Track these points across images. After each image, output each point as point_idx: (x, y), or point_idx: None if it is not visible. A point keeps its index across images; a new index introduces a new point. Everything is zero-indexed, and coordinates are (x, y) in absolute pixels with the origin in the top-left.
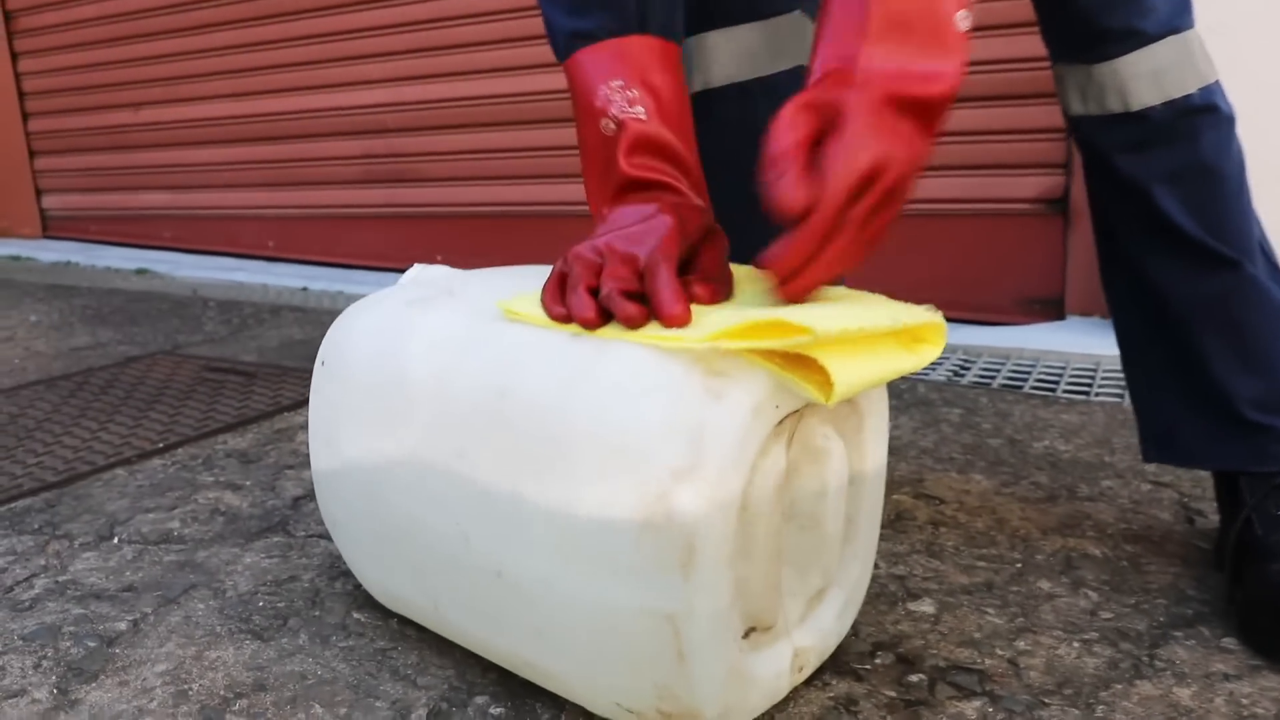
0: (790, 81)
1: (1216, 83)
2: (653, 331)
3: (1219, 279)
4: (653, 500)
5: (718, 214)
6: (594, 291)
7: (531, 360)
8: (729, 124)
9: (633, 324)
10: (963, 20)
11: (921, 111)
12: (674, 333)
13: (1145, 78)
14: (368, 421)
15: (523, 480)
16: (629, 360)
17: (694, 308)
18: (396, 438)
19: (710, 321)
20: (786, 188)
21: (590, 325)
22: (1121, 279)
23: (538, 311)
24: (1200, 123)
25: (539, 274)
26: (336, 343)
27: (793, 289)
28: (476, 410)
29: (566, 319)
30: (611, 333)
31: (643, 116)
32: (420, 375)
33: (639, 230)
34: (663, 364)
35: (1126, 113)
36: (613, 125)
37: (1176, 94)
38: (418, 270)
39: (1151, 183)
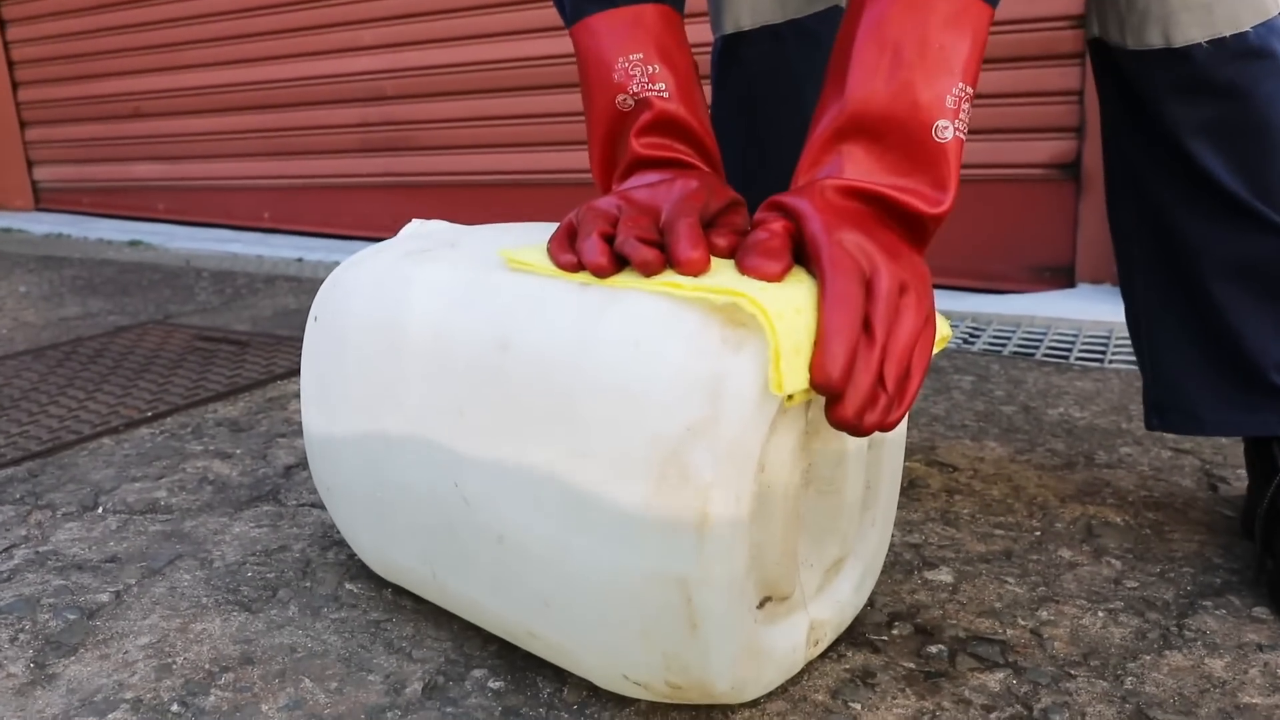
0: (825, 25)
1: (1278, 18)
2: (668, 279)
3: (1265, 244)
4: (666, 457)
5: (738, 164)
6: (608, 240)
7: (536, 311)
8: (758, 70)
9: (649, 269)
10: (943, 130)
11: (897, 218)
12: (691, 281)
13: (1196, 9)
14: (363, 379)
15: (526, 438)
16: (642, 308)
17: (715, 261)
18: (393, 396)
19: (731, 275)
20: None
21: (602, 272)
22: (1141, 235)
23: (544, 261)
24: (1257, 69)
25: (547, 230)
26: (331, 297)
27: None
28: (476, 365)
29: (575, 266)
30: (623, 281)
31: (665, 94)
32: (418, 329)
33: (662, 188)
34: (678, 312)
35: (1168, 49)
36: (631, 101)
37: (1227, 31)
38: (416, 225)
39: (1192, 134)
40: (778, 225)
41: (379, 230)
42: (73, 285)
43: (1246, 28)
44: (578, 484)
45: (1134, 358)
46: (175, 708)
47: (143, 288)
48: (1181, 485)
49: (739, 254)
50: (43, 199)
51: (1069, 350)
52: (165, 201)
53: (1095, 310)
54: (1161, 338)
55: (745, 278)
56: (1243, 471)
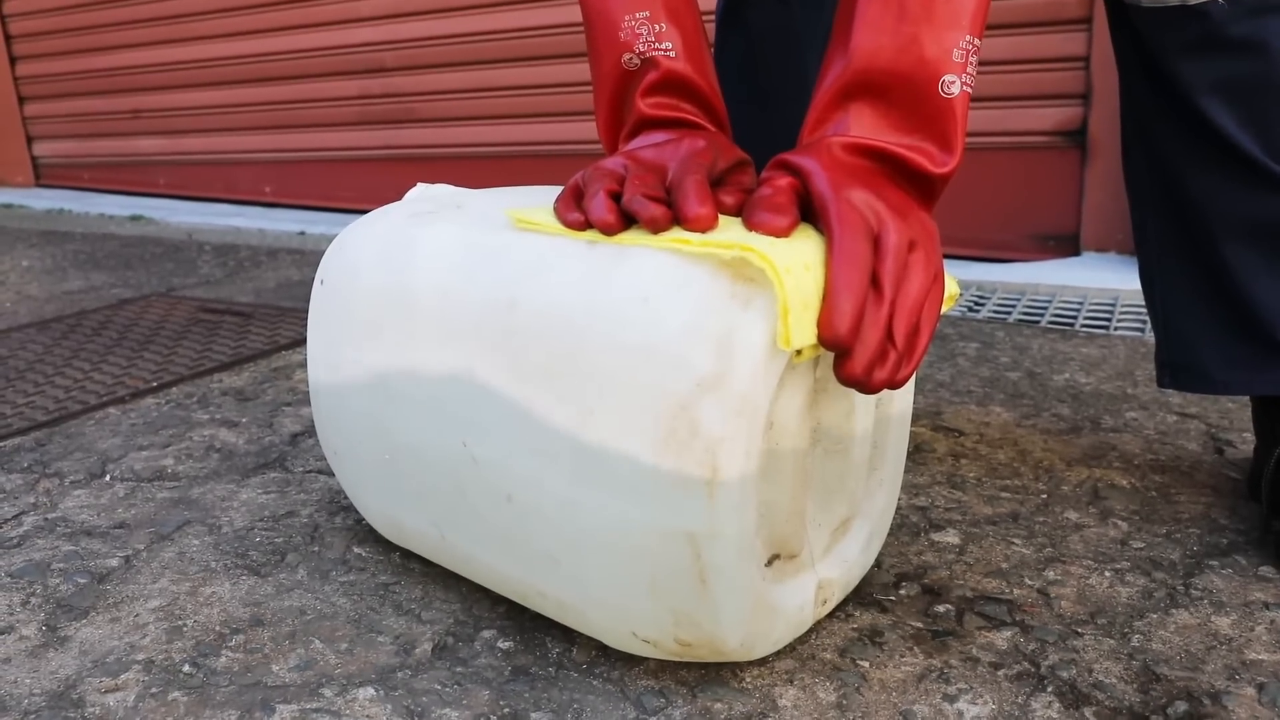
0: None
1: None
2: (676, 236)
3: (1276, 204)
4: (676, 412)
5: (742, 125)
6: (615, 198)
7: (544, 269)
8: (763, 34)
9: (656, 226)
10: (949, 85)
11: (904, 175)
12: (699, 237)
13: None
14: (370, 340)
15: (535, 396)
16: (650, 264)
17: (723, 219)
18: (400, 357)
19: (739, 232)
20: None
21: (609, 229)
22: (1154, 194)
23: (551, 220)
24: (1273, 24)
25: (553, 191)
26: (337, 259)
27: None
28: (484, 324)
29: (583, 225)
30: (631, 239)
31: (672, 54)
32: (425, 290)
33: (669, 148)
34: (687, 267)
35: (1183, 6)
36: (637, 61)
37: None
38: (421, 189)
39: (1205, 92)
40: (783, 182)
41: (380, 203)
42: (75, 259)
43: None
44: (587, 441)
45: (1140, 325)
46: (187, 668)
47: (145, 261)
48: (1187, 449)
49: (745, 210)
50: (43, 174)
51: (1074, 317)
52: (166, 176)
53: (1100, 278)
54: (1173, 296)
55: (753, 234)
56: (1248, 435)
